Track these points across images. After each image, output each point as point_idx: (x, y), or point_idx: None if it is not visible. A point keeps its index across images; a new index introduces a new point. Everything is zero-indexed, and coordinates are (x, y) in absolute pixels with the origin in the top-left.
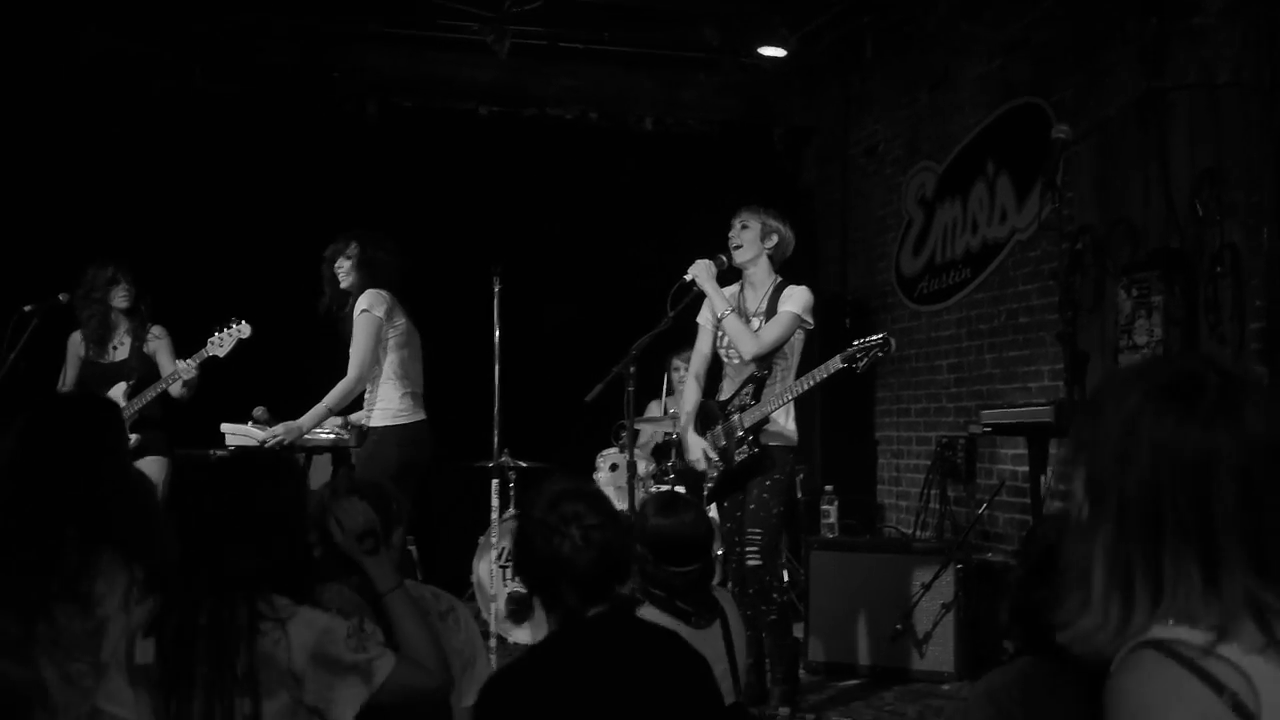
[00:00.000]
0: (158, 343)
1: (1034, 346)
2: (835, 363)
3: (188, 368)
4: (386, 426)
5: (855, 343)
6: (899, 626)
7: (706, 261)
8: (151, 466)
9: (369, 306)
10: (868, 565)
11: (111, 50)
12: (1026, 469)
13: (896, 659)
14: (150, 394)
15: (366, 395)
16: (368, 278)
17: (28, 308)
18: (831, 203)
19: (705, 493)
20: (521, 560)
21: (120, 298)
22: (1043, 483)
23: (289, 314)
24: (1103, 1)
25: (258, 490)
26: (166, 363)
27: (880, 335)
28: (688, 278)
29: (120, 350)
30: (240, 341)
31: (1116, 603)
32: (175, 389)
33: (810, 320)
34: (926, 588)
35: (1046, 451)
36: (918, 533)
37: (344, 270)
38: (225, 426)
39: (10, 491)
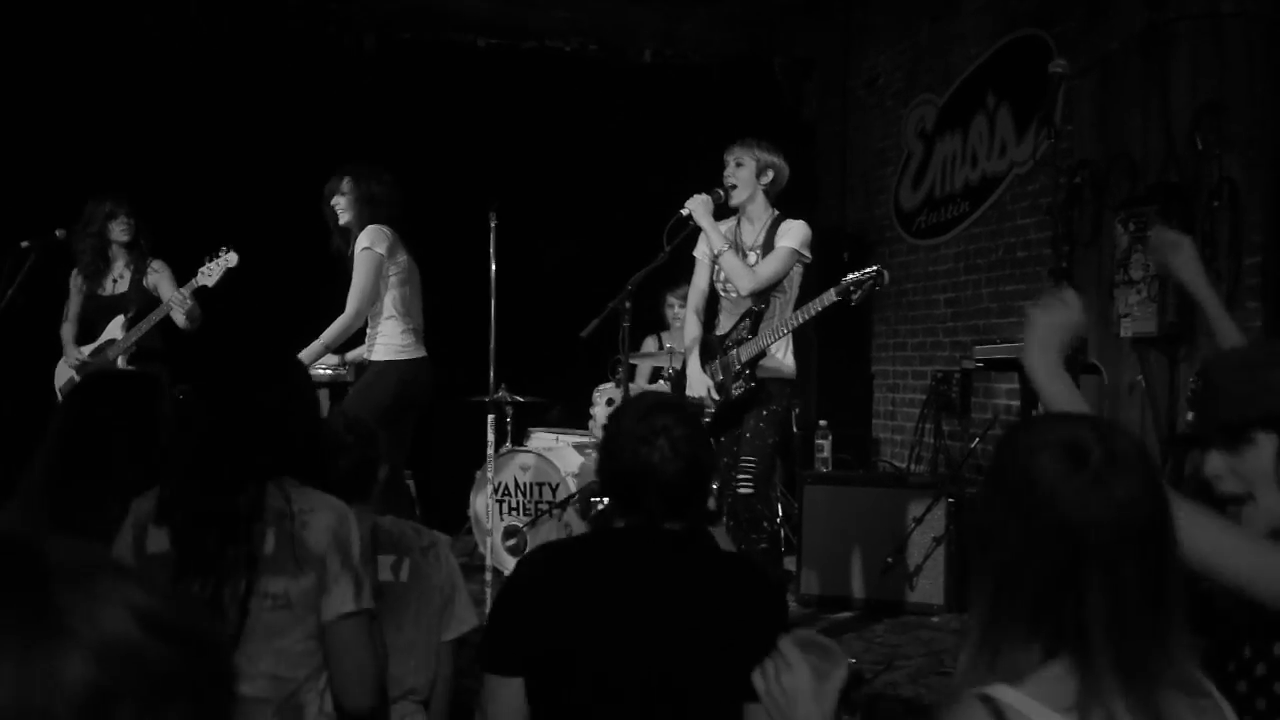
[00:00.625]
0: (157, 276)
1: (1030, 281)
2: (829, 296)
3: (181, 298)
4: (388, 361)
5: (849, 276)
6: (890, 560)
7: (704, 196)
8: None
9: (370, 244)
10: (861, 499)
11: None
12: (1019, 404)
13: (888, 592)
14: (145, 326)
15: (368, 331)
16: (367, 214)
17: (25, 243)
18: (832, 136)
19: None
20: (607, 468)
21: (119, 231)
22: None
23: (287, 247)
24: None
25: (260, 383)
26: (168, 295)
27: (874, 267)
28: (684, 213)
29: (120, 284)
30: (229, 270)
31: (986, 656)
32: (179, 319)
33: (808, 254)
34: (918, 521)
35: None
36: (912, 466)
37: (340, 206)
38: None
39: (56, 464)
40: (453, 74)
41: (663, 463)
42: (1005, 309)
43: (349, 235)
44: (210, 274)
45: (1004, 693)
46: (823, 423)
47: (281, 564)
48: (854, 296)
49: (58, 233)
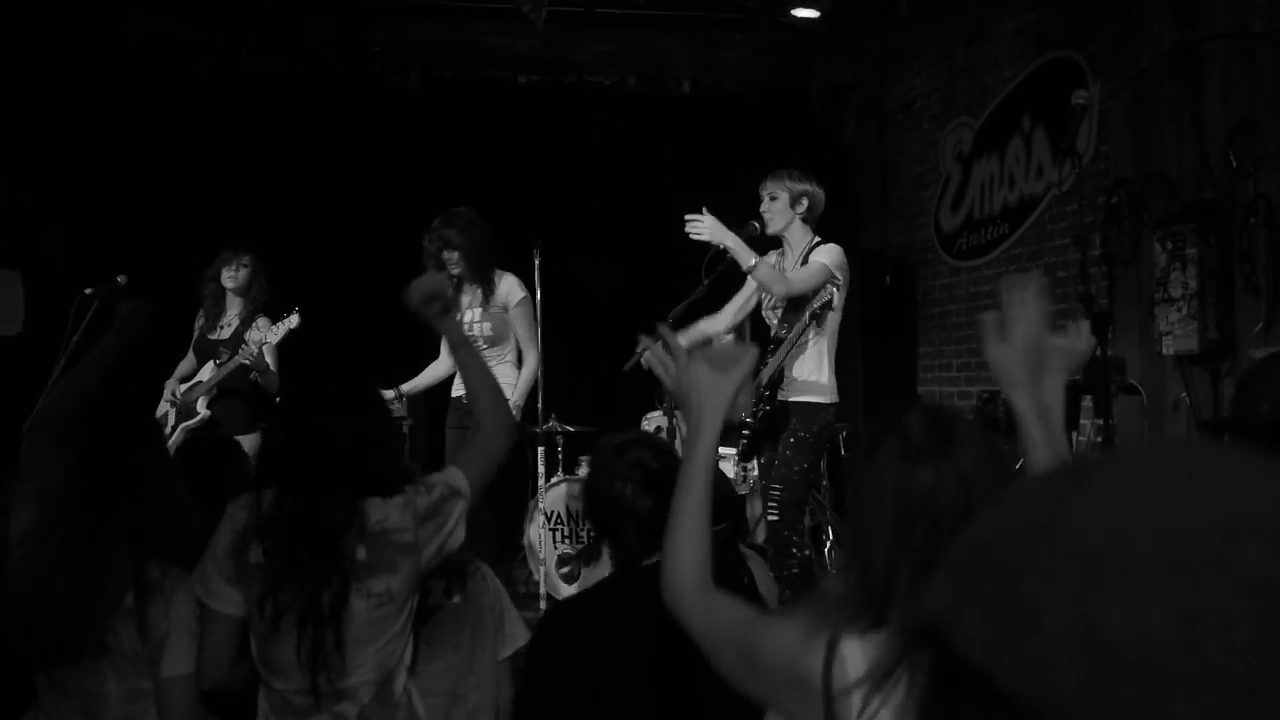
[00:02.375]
0: (257, 332)
1: (1072, 300)
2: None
3: (248, 350)
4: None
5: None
6: None
7: (711, 219)
8: None
9: (525, 293)
10: None
11: (157, 31)
12: (1065, 422)
13: None
14: (222, 373)
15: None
16: (485, 259)
17: (88, 291)
18: (871, 159)
19: (738, 449)
20: (588, 504)
21: (227, 278)
22: (1074, 439)
23: (337, 287)
24: None
25: (355, 408)
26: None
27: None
28: (714, 242)
29: (226, 330)
30: (290, 331)
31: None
32: (260, 378)
33: (840, 276)
34: None
35: (1078, 408)
36: None
37: (454, 260)
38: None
39: (67, 506)
40: (496, 111)
41: (636, 497)
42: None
43: (460, 285)
44: (276, 333)
45: (847, 636)
46: None
47: (377, 567)
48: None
49: (119, 279)
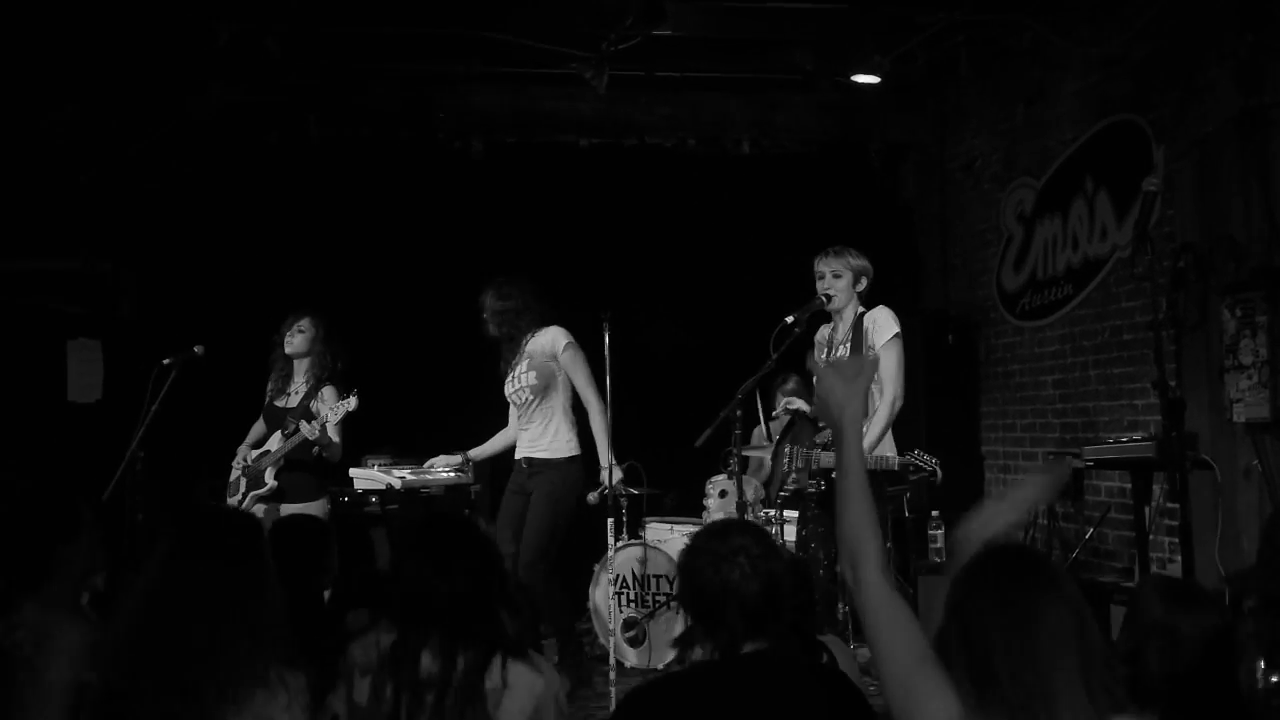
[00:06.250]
0: (321, 403)
1: (1138, 363)
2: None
3: (311, 429)
4: (571, 457)
5: (914, 452)
6: None
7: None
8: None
9: (570, 340)
10: None
11: (230, 104)
12: (1131, 486)
13: None
14: (288, 446)
15: (533, 429)
16: (528, 320)
17: (166, 361)
18: (931, 218)
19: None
20: (688, 588)
21: (287, 344)
22: (1147, 513)
23: (405, 352)
24: (1199, 18)
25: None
26: (307, 426)
27: (934, 462)
28: (789, 320)
29: (293, 399)
30: (349, 413)
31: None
32: (325, 451)
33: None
34: None
35: (1150, 484)
36: None
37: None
38: (354, 471)
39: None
40: (558, 174)
41: (742, 581)
42: (1114, 391)
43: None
44: (336, 413)
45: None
46: (935, 513)
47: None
48: (911, 474)
49: (196, 349)
